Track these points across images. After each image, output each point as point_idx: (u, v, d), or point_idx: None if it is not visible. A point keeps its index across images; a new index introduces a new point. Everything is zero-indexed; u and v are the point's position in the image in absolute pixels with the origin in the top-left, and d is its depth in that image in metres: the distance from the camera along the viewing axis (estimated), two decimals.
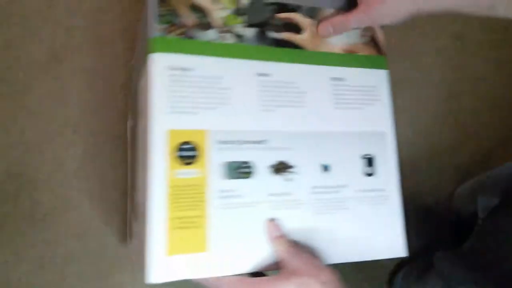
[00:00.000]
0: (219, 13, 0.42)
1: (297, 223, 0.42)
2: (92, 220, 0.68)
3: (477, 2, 0.41)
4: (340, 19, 0.44)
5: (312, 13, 0.46)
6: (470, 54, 0.89)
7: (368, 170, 0.46)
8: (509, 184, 0.60)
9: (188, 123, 0.39)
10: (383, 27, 0.49)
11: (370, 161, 0.46)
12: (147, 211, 0.37)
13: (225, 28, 0.42)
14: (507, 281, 0.51)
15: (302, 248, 0.40)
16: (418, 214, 0.80)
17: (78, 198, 0.68)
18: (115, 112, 0.70)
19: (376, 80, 0.48)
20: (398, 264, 0.80)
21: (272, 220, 0.41)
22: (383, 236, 0.45)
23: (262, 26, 0.43)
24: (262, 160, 0.41)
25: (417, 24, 0.88)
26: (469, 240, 0.65)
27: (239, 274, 0.39)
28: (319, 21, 0.46)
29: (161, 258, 0.37)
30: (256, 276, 0.39)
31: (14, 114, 0.70)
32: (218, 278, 0.39)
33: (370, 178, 0.46)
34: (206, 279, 0.39)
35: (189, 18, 0.41)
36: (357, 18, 0.44)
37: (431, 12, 0.42)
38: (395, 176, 0.47)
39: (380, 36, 0.49)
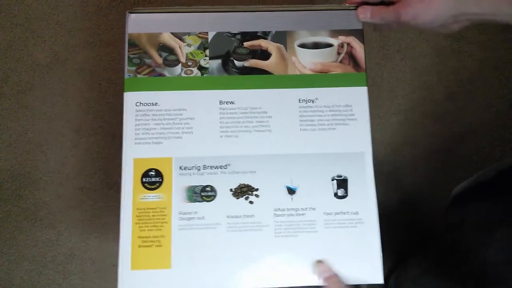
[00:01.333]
0: (185, 49, 0.46)
1: (258, 245, 0.43)
2: (93, 219, 0.71)
3: None
4: (380, 8, 0.45)
5: (279, 37, 0.47)
6: (467, 54, 0.87)
7: (340, 192, 0.45)
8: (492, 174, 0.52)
9: (153, 152, 0.44)
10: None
11: (342, 183, 0.45)
12: (120, 230, 0.43)
13: (191, 63, 0.46)
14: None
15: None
16: (415, 214, 0.77)
17: (80, 197, 0.71)
18: (117, 113, 0.73)
19: (352, 99, 0.46)
20: (392, 265, 0.76)
21: (320, 261, 0.43)
22: (357, 261, 0.44)
23: (226, 57, 0.46)
24: (225, 184, 0.44)
25: None
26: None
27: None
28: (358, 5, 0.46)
29: (127, 272, 0.42)
30: None
31: (17, 114, 0.75)
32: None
33: (342, 200, 0.45)
34: None
35: (157, 57, 0.46)
36: (395, 13, 0.43)
37: (473, 16, 0.40)
38: (372, 198, 0.45)
39: (360, 52, 0.47)
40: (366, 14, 0.45)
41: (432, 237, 0.59)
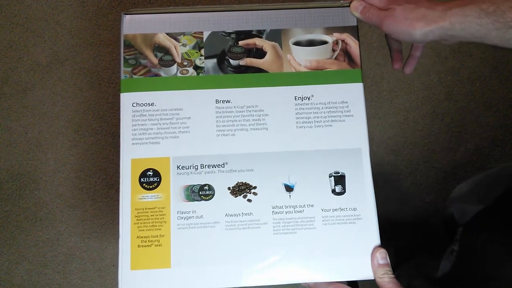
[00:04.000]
0: (180, 49, 0.46)
1: (257, 242, 0.43)
2: (93, 219, 0.71)
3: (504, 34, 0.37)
4: (370, 8, 0.44)
5: (274, 36, 0.47)
6: (467, 55, 0.87)
7: (338, 188, 0.45)
8: (500, 188, 0.51)
9: (150, 152, 0.44)
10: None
11: (339, 180, 0.45)
12: (119, 230, 0.44)
13: (186, 63, 0.46)
14: None
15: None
16: (415, 214, 0.77)
17: (80, 197, 0.71)
18: (117, 113, 0.73)
19: (348, 95, 0.46)
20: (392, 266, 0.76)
21: (380, 247, 0.44)
22: (357, 257, 0.44)
23: (222, 56, 0.46)
24: (223, 182, 0.44)
25: None
26: (447, 258, 0.56)
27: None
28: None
29: (127, 272, 0.43)
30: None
31: (17, 114, 0.75)
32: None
33: (340, 197, 0.45)
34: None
35: (152, 58, 0.46)
36: (379, 20, 0.43)
37: (462, 39, 0.39)
38: (370, 194, 0.45)
39: (355, 49, 0.47)
40: (358, 8, 0.45)
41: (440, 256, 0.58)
